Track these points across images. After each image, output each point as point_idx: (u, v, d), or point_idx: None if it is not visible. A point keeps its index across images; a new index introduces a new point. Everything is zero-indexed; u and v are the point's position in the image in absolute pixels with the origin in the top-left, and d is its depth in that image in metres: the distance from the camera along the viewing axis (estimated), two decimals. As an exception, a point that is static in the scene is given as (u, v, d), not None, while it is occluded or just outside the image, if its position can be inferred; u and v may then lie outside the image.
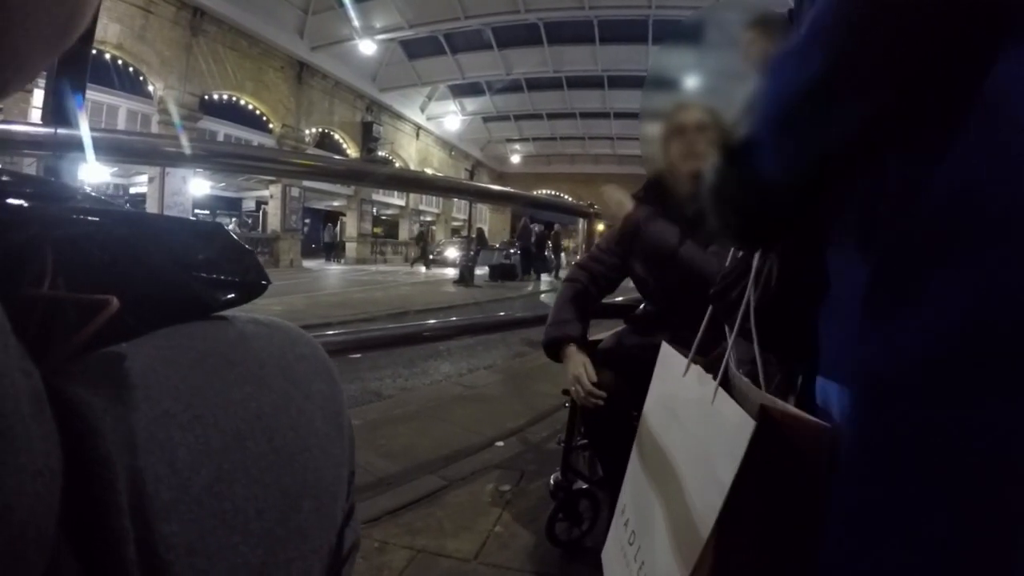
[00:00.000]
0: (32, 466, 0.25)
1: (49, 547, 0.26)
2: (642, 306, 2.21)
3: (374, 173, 3.16)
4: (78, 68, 1.72)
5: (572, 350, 1.91)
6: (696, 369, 1.15)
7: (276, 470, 0.42)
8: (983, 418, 0.54)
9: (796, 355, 1.03)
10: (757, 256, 0.99)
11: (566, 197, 23.72)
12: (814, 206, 0.76)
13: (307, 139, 24.04)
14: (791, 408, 0.81)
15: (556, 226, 21.34)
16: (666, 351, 1.33)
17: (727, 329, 1.09)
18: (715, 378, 1.02)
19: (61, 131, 1.64)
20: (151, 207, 18.13)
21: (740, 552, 0.89)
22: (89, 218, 0.47)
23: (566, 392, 2.01)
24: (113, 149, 2.05)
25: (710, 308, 1.22)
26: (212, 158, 2.49)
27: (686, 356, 1.21)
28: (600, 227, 4.05)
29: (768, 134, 0.69)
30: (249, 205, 35.13)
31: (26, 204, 0.44)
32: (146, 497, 0.34)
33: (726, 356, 1.03)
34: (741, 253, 1.13)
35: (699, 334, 1.24)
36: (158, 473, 0.35)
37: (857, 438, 0.64)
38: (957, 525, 0.56)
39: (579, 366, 1.86)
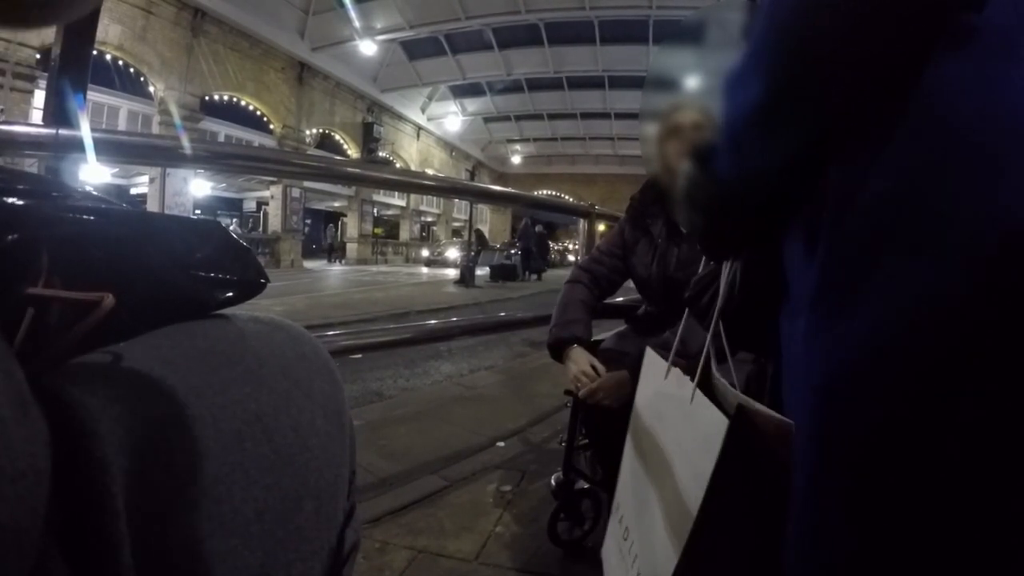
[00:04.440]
0: (11, 469, 0.25)
1: (33, 551, 0.26)
2: (643, 307, 2.21)
3: (375, 174, 3.16)
4: (79, 69, 1.72)
5: (576, 350, 1.91)
6: (676, 372, 1.19)
7: (276, 471, 0.42)
8: (926, 415, 0.55)
9: (764, 355, 1.09)
10: (728, 263, 1.04)
11: (567, 197, 23.76)
12: (771, 213, 0.78)
13: (308, 140, 24.11)
14: (761, 407, 0.85)
15: (538, 226, 21.24)
16: (650, 356, 1.37)
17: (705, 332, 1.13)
18: (693, 380, 1.07)
19: (63, 132, 1.63)
20: (152, 208, 18.18)
21: (715, 543, 0.94)
22: (86, 216, 0.46)
23: (568, 392, 2.00)
24: (114, 150, 2.04)
25: (685, 313, 1.27)
26: (213, 159, 2.48)
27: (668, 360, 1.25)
28: (601, 227, 4.05)
29: (726, 144, 0.72)
30: (250, 206, 35.15)
31: (21, 202, 0.44)
32: (142, 500, 0.33)
33: (702, 359, 1.07)
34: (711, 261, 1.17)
35: (676, 339, 1.29)
36: (154, 476, 0.35)
37: (811, 435, 0.66)
38: (906, 520, 0.57)
39: (585, 364, 1.86)
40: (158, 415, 0.38)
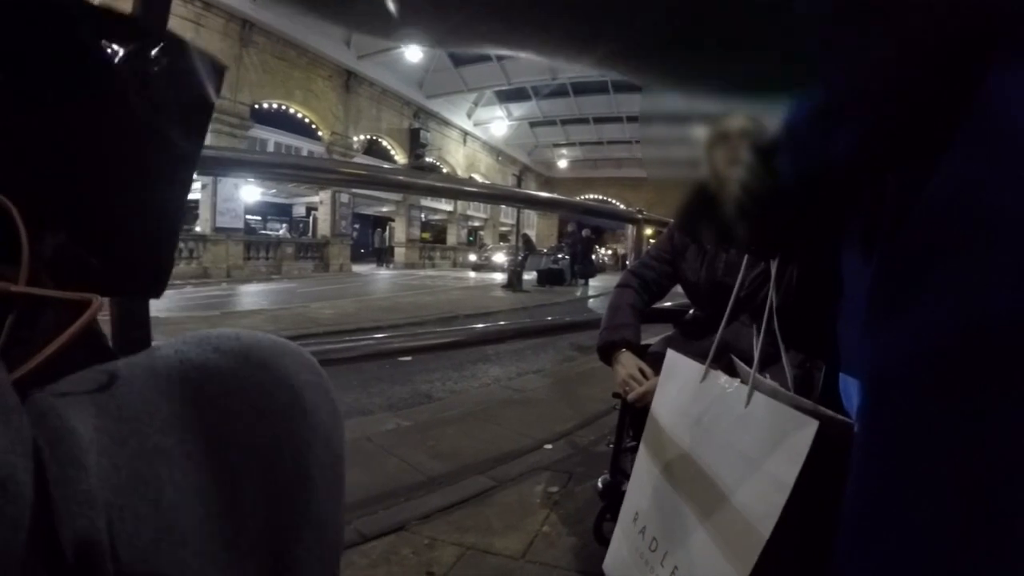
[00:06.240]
0: None
1: (16, 563, 0.26)
2: (691, 311, 2.22)
3: (421, 182, 3.21)
4: None
5: (625, 354, 1.93)
6: (718, 374, 1.19)
7: (273, 505, 0.41)
8: (977, 413, 0.57)
9: (817, 353, 1.11)
10: (776, 262, 1.07)
11: (614, 202, 23.52)
12: (826, 213, 0.80)
13: (355, 146, 24.39)
14: (822, 408, 0.88)
15: (585, 231, 21.00)
16: (673, 358, 1.37)
17: (755, 332, 1.13)
18: (743, 381, 1.08)
19: None
20: (204, 213, 18.77)
21: (780, 542, 0.93)
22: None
23: (616, 395, 2.02)
24: None
25: (728, 310, 1.28)
26: (265, 168, 2.55)
27: (699, 363, 1.25)
28: (648, 232, 4.05)
29: (787, 143, 0.74)
30: (300, 211, 35.57)
31: None
32: (127, 536, 0.33)
33: (755, 359, 1.08)
34: (759, 262, 1.22)
35: (715, 342, 1.28)
36: (140, 512, 0.34)
37: (866, 430, 0.68)
38: (955, 514, 0.59)
39: (633, 367, 1.88)
40: (149, 450, 0.36)
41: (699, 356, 1.34)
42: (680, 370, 1.32)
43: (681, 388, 1.28)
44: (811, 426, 0.89)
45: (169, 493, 0.35)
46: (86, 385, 0.37)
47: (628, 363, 1.91)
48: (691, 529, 1.11)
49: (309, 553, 0.42)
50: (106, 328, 1.66)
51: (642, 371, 1.86)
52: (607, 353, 1.98)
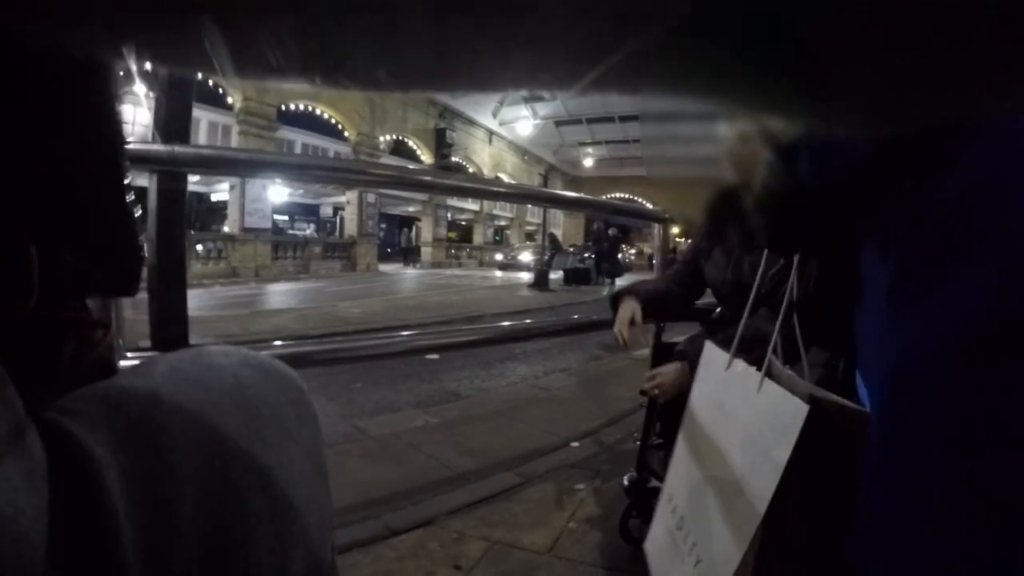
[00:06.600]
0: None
1: None
2: (718, 310, 2.24)
3: (447, 182, 3.24)
4: (186, 86, 1.78)
5: (627, 299, 2.07)
6: (739, 362, 1.23)
7: (271, 522, 0.41)
8: (993, 412, 0.58)
9: (836, 349, 1.14)
10: (796, 259, 1.09)
11: (640, 200, 23.39)
12: (845, 210, 0.82)
13: (382, 146, 24.47)
14: (834, 396, 0.90)
15: (612, 229, 20.85)
16: (710, 350, 1.41)
17: (777, 325, 1.17)
18: (759, 370, 1.11)
19: (178, 148, 1.66)
20: (232, 214, 19.16)
21: (789, 527, 0.96)
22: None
23: (643, 393, 2.05)
24: (221, 163, 2.14)
25: (748, 305, 1.33)
26: (290, 169, 2.59)
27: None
28: (675, 230, 4.05)
29: (805, 145, 0.76)
30: (327, 211, 35.77)
31: None
32: (148, 554, 0.32)
33: (770, 349, 1.11)
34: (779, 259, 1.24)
35: (739, 330, 1.32)
36: (159, 529, 0.34)
37: (882, 426, 0.70)
38: (968, 510, 0.60)
39: (627, 311, 2.01)
40: (165, 467, 0.36)
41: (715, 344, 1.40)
42: (714, 360, 1.37)
43: (713, 377, 1.34)
44: (803, 409, 0.92)
45: (184, 509, 0.35)
46: (95, 404, 0.36)
47: (625, 307, 2.04)
48: (709, 509, 1.16)
49: (301, 571, 0.42)
50: (142, 327, 1.70)
51: (634, 317, 2.01)
52: (615, 302, 2.12)
